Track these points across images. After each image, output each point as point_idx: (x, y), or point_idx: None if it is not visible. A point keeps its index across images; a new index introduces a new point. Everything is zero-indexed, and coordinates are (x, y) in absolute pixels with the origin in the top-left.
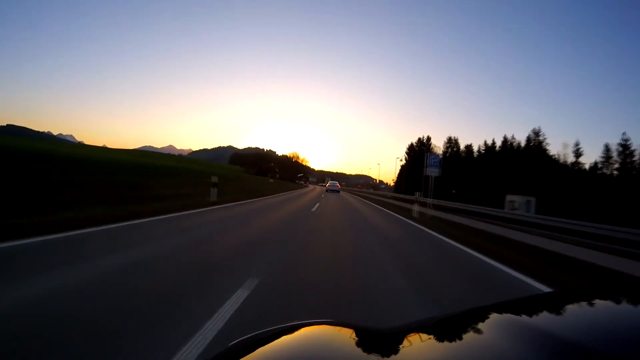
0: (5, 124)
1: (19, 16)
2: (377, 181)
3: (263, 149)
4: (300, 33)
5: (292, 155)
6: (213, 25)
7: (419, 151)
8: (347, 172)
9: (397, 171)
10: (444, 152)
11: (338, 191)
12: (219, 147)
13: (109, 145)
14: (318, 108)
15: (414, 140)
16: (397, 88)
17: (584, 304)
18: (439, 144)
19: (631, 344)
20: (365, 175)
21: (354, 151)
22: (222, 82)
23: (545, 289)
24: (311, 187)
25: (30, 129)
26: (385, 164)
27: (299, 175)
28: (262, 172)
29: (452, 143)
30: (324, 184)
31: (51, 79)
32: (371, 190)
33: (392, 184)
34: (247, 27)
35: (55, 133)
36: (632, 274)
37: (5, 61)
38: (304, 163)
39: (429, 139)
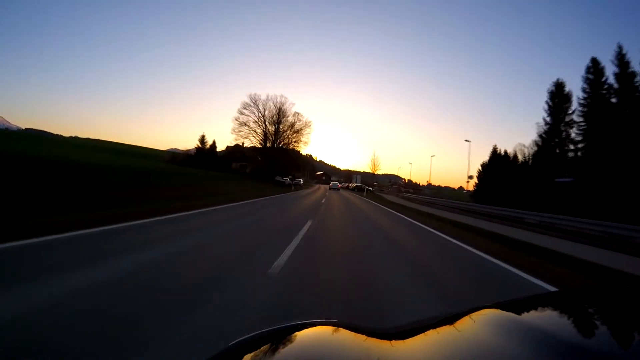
0: (24, 127)
1: (38, 21)
2: (406, 181)
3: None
4: (323, 34)
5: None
6: (241, 28)
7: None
8: (376, 172)
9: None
10: None
11: (338, 189)
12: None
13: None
14: (344, 108)
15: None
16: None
17: (584, 304)
18: None
19: (632, 344)
20: (395, 175)
21: (383, 151)
22: (248, 82)
23: None
24: (314, 188)
25: (50, 132)
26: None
27: (317, 173)
28: (205, 165)
29: None
30: (351, 183)
31: (74, 82)
32: (414, 194)
33: (421, 183)
34: (275, 29)
35: (82, 137)
36: None
37: (26, 67)
38: (302, 132)
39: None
